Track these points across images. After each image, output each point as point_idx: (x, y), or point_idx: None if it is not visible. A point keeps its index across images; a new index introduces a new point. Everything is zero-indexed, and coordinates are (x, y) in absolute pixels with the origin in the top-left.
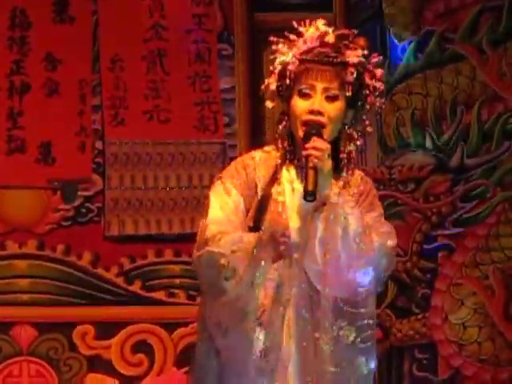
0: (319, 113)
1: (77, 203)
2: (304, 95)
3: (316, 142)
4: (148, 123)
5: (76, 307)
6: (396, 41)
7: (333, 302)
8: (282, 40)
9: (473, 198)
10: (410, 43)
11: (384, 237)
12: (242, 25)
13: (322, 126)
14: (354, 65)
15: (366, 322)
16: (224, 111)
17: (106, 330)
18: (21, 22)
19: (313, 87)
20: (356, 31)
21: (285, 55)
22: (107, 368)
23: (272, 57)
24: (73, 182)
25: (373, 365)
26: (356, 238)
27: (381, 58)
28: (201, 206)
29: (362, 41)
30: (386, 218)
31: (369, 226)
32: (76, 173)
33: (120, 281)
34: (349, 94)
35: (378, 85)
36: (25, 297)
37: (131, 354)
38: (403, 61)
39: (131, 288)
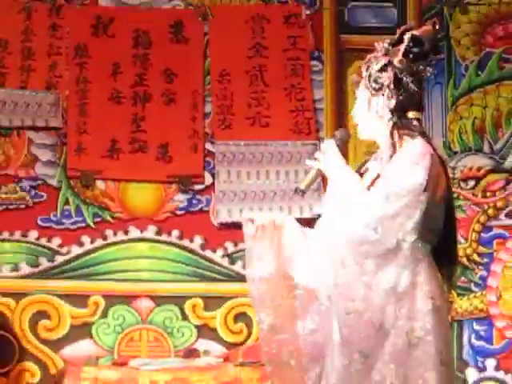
0: None
1: (189, 195)
2: None
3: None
4: (251, 127)
5: (188, 283)
6: (460, 60)
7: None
8: None
9: None
10: (471, 62)
11: (351, 220)
12: (330, 45)
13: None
14: (365, 61)
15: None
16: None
17: (213, 303)
18: (143, 42)
19: None
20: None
21: None
22: (213, 335)
23: None
24: (186, 178)
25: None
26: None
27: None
28: (294, 196)
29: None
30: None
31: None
32: (189, 170)
33: (225, 261)
34: (363, 88)
35: (398, 59)
36: (145, 274)
37: (233, 323)
38: (466, 77)
39: (234, 268)
